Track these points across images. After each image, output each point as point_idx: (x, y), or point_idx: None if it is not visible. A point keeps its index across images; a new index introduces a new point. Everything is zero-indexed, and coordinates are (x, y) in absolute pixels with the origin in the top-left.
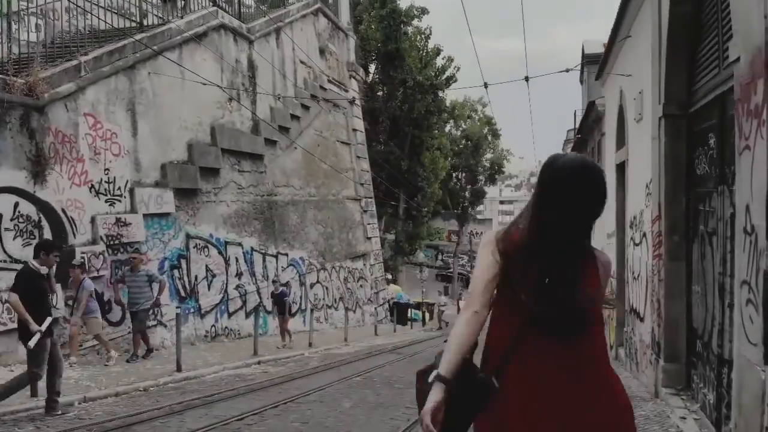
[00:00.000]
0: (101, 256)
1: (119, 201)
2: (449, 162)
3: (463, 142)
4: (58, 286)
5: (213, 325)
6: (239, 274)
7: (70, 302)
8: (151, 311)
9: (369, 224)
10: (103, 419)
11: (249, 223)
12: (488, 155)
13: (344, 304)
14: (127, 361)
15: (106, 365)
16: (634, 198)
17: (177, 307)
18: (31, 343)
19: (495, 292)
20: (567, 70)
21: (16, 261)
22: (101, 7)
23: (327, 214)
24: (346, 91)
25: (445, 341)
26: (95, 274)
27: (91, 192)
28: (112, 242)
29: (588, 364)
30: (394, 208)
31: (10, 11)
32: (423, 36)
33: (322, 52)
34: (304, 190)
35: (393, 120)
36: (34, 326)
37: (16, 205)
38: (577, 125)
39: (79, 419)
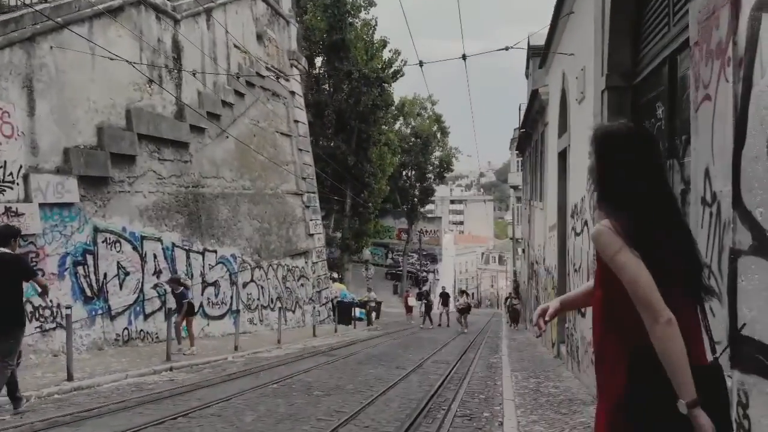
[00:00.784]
0: None
1: (10, 188)
2: (398, 159)
3: (413, 139)
4: None
5: (126, 328)
6: (158, 272)
7: None
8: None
9: (312, 220)
10: None
11: (170, 217)
12: (437, 153)
13: (282, 304)
14: None
15: None
16: (576, 185)
17: (67, 307)
18: None
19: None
20: (506, 48)
21: None
22: None
23: (264, 209)
24: (287, 80)
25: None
26: None
27: None
28: None
29: None
30: (340, 205)
31: None
32: (369, 27)
33: (259, 37)
34: (237, 182)
35: (339, 113)
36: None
37: None
38: (522, 119)
39: None
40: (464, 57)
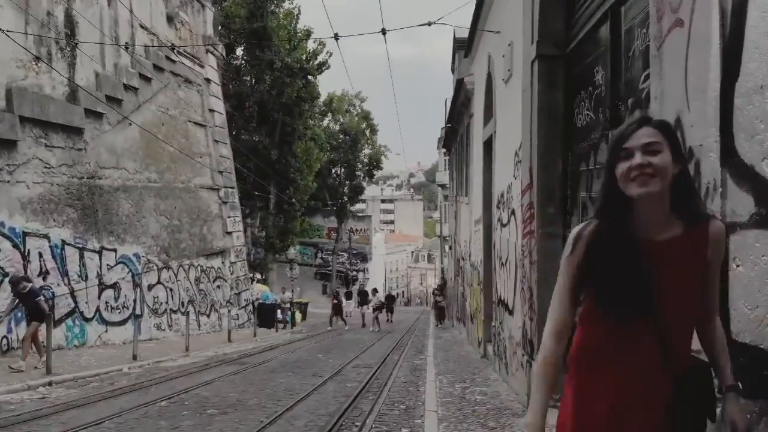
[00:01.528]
0: None
1: None
2: (327, 156)
3: (341, 136)
4: None
5: (5, 337)
6: (44, 273)
7: None
8: None
9: (230, 217)
10: None
11: (60, 211)
12: (366, 150)
13: (194, 307)
14: None
15: None
16: (502, 171)
17: None
18: None
19: None
20: (429, 24)
21: None
22: None
23: (173, 204)
24: (202, 66)
25: None
26: None
27: None
28: None
29: None
30: (264, 202)
31: None
32: (292, 17)
33: (170, 19)
34: (142, 174)
35: (261, 105)
36: None
37: None
38: (448, 114)
39: None
40: (384, 32)
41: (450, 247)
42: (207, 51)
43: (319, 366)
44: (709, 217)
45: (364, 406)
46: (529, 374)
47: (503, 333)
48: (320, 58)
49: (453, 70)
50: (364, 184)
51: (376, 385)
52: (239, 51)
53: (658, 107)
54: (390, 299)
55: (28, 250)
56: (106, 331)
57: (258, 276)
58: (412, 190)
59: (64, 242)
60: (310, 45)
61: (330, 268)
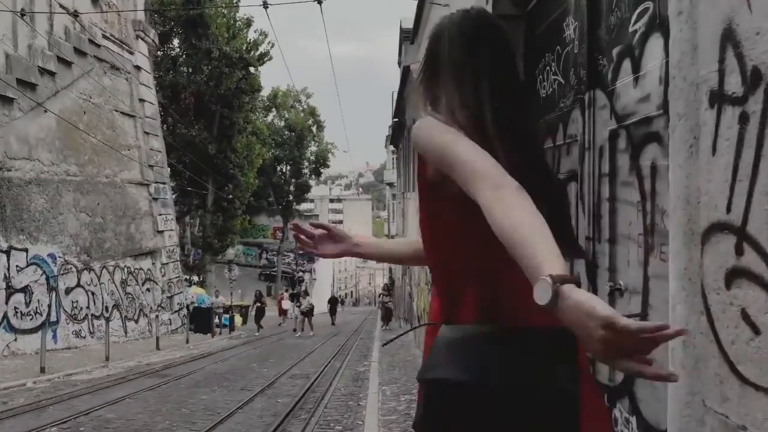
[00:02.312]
0: None
1: None
2: (271, 153)
3: (287, 132)
4: None
5: None
6: None
7: None
8: None
9: (161, 215)
10: None
11: None
12: (313, 148)
13: (120, 312)
14: None
15: None
16: None
17: None
18: None
19: None
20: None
21: None
22: None
23: (95, 200)
24: (132, 53)
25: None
26: None
27: None
28: None
29: None
30: (201, 199)
31: None
32: (231, 5)
33: (95, 0)
34: (59, 167)
35: (198, 96)
36: None
37: None
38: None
39: None
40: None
41: None
42: (137, 37)
43: (250, 377)
44: None
45: (294, 429)
46: None
47: None
48: (261, 49)
49: (400, 64)
50: (311, 182)
51: (311, 400)
52: (176, 42)
53: (684, 27)
54: (333, 302)
55: None
56: (15, 339)
57: (195, 278)
58: (361, 190)
59: None
60: (251, 35)
61: (275, 269)
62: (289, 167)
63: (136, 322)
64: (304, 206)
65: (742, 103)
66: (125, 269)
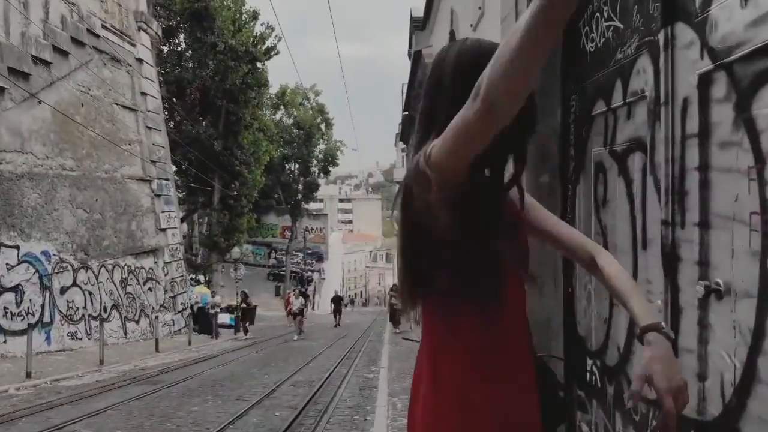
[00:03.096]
0: None
1: None
2: (280, 151)
3: (295, 130)
4: None
5: None
6: None
7: None
8: None
9: (164, 212)
10: None
11: None
12: (321, 146)
13: (120, 313)
14: None
15: None
16: None
17: None
18: None
19: None
20: None
21: None
22: None
23: (93, 196)
24: (133, 45)
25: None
26: None
27: None
28: None
29: None
30: (207, 197)
31: None
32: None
33: None
34: (54, 160)
35: (203, 92)
36: None
37: None
38: (404, 101)
39: None
40: None
41: None
42: (139, 29)
43: (249, 385)
44: None
45: None
46: None
47: None
48: (268, 43)
49: (410, 56)
50: (320, 180)
51: (313, 413)
52: (182, 37)
53: None
54: (337, 301)
55: None
56: (5, 341)
57: (200, 277)
58: (370, 190)
59: None
60: (258, 29)
61: (284, 268)
62: (297, 166)
63: (137, 322)
64: (313, 206)
65: None
66: (125, 268)
